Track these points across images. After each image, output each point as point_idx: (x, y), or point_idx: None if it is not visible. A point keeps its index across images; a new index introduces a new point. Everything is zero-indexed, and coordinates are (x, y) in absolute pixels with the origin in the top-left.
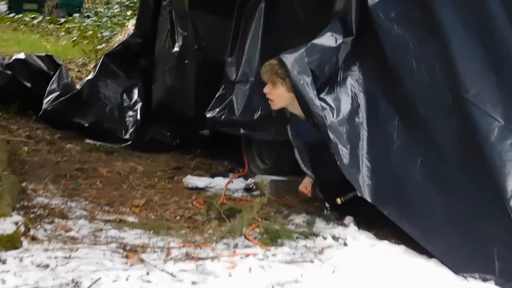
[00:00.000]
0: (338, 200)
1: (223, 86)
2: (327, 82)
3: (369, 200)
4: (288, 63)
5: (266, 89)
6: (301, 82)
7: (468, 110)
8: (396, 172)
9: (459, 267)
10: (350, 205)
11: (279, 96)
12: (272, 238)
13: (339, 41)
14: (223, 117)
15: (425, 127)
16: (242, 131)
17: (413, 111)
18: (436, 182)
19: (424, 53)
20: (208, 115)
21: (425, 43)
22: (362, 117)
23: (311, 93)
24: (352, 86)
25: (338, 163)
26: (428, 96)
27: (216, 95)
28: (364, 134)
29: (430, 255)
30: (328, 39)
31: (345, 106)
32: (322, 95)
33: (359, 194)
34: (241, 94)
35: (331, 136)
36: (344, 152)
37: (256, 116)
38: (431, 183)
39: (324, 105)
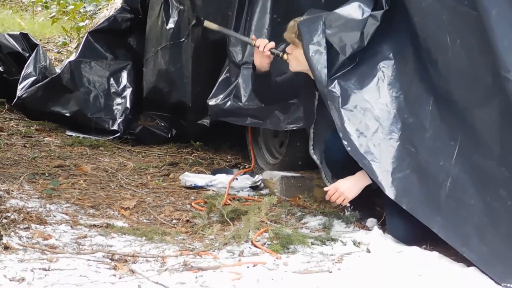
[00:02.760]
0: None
1: (227, 68)
2: (350, 59)
3: (391, 197)
4: (303, 31)
5: (288, 49)
6: (314, 55)
7: (511, 92)
8: (428, 165)
9: (501, 276)
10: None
11: (296, 59)
12: (283, 244)
13: (367, 13)
14: (227, 104)
15: (462, 114)
16: (249, 120)
17: (448, 95)
18: (475, 178)
19: (460, 28)
20: (211, 102)
21: (460, 15)
22: (389, 101)
23: (322, 69)
24: (380, 66)
25: (349, 149)
26: (465, 77)
27: (219, 79)
28: (391, 120)
29: (468, 262)
30: (353, 10)
31: (369, 87)
32: (341, 73)
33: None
34: (248, 77)
35: (345, 119)
36: (361, 140)
37: None
38: (469, 179)
39: (342, 83)
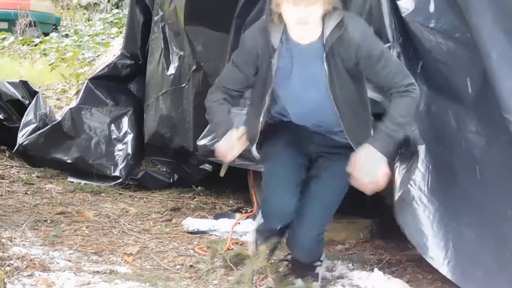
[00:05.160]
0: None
1: None
2: None
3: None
4: None
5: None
6: None
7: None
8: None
9: None
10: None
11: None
12: None
13: None
14: (216, 145)
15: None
16: (238, 161)
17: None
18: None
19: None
20: (200, 142)
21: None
22: None
23: None
24: None
25: None
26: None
27: None
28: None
29: None
30: None
31: None
32: None
33: None
34: (237, 119)
35: None
36: None
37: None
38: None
39: None
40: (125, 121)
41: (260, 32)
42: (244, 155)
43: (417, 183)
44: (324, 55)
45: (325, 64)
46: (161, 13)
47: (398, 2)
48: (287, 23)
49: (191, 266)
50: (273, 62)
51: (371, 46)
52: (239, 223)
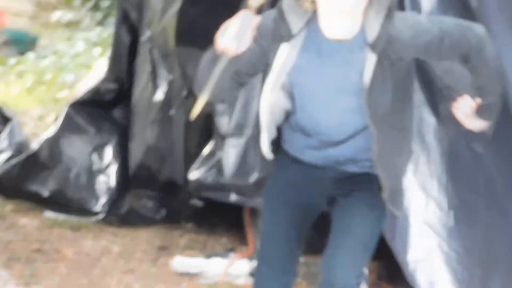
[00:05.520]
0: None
1: (212, 141)
2: None
3: None
4: None
5: None
6: None
7: None
8: None
9: None
10: None
11: None
12: None
13: None
14: (209, 179)
15: None
16: (234, 197)
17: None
18: None
19: None
20: (192, 176)
21: None
22: None
23: None
24: None
25: None
26: None
27: (203, 152)
28: None
29: None
30: None
31: None
32: None
33: None
34: (234, 150)
35: None
36: None
37: (252, 180)
38: None
39: None
40: (108, 151)
41: (270, 17)
42: (240, 189)
43: (434, 225)
44: (369, 56)
45: (366, 68)
46: (148, 33)
47: None
48: (321, 11)
49: None
50: (286, 47)
51: (424, 37)
52: (233, 264)
